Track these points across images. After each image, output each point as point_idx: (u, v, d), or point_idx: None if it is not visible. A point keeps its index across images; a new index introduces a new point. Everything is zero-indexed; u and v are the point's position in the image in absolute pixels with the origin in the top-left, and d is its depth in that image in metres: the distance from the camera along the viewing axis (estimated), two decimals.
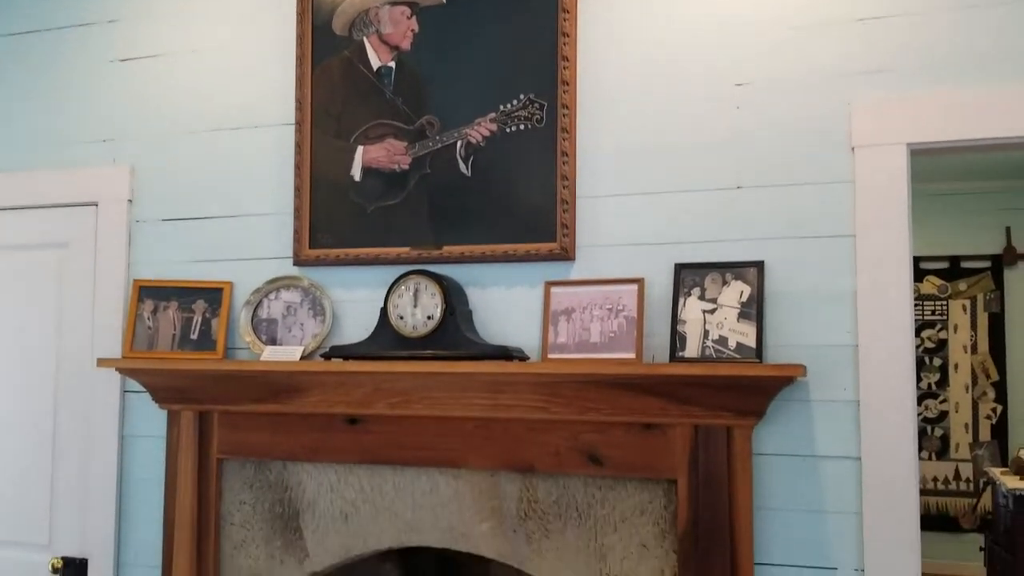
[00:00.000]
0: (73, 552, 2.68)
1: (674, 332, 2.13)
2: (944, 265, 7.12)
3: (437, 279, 2.27)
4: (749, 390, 2.02)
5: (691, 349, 2.10)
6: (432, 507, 2.32)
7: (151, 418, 2.60)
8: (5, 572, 2.78)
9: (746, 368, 2.00)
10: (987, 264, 7.08)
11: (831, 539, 2.05)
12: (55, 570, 2.67)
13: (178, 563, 2.47)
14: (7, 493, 2.80)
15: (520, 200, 2.31)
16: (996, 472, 5.57)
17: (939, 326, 7.12)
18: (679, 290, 2.15)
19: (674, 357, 2.11)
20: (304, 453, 2.41)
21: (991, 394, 6.97)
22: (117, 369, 2.51)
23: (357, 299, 2.45)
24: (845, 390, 2.06)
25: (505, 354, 2.20)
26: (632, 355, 2.15)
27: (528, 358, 2.27)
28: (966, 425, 7.02)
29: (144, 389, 2.55)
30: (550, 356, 2.23)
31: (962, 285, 7.09)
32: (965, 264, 7.12)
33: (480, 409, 2.23)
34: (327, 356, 2.34)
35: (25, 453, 2.79)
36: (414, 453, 2.31)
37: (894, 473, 2.01)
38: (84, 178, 2.76)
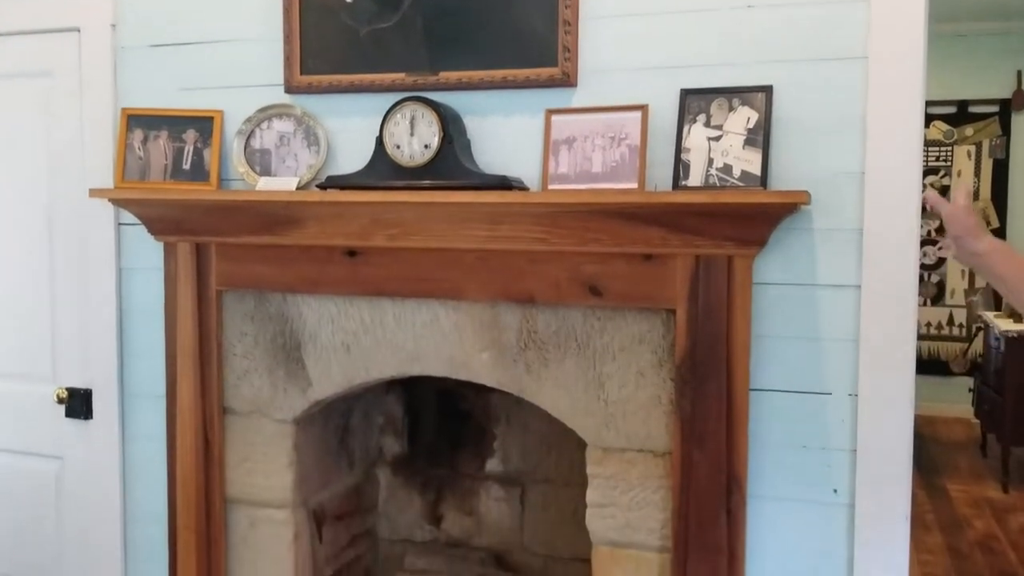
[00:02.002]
0: (77, 383, 2.72)
1: (678, 160, 2.08)
2: (951, 110, 6.99)
3: (434, 106, 2.20)
4: (752, 218, 1.99)
5: (695, 178, 2.06)
6: (433, 338, 2.33)
7: (148, 251, 2.58)
8: (11, 404, 2.83)
9: (749, 195, 1.96)
10: (995, 109, 6.94)
11: (827, 366, 2.07)
12: (60, 401, 2.72)
13: (182, 392, 2.51)
14: (7, 326, 2.82)
15: (520, 22, 2.20)
16: (990, 316, 5.64)
17: (942, 172, 7.06)
18: (684, 117, 2.08)
19: (677, 186, 2.07)
20: (303, 285, 2.40)
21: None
22: (110, 200, 2.47)
23: (352, 128, 2.38)
24: (848, 217, 2.03)
25: (505, 184, 2.15)
26: (634, 185, 2.10)
27: (528, 189, 2.23)
28: (963, 271, 7.07)
29: (139, 221, 2.52)
30: (551, 187, 2.18)
31: (968, 130, 6.98)
32: (973, 109, 6.98)
33: (480, 240, 2.21)
34: (323, 187, 2.29)
35: (23, 286, 2.78)
36: (414, 285, 2.31)
37: (893, 301, 2.01)
38: (64, 1, 2.64)
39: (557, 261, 2.17)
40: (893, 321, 2.01)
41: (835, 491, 2.07)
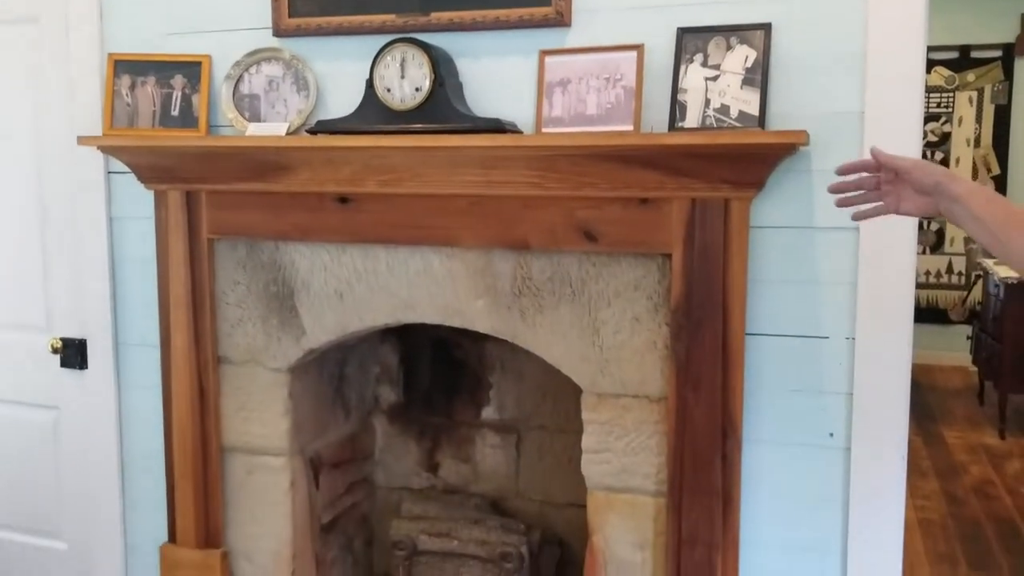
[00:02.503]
0: (71, 333, 2.71)
1: (674, 102, 2.04)
2: (953, 55, 6.89)
3: (424, 48, 2.15)
4: (749, 160, 1.96)
5: (691, 119, 2.02)
6: (426, 285, 2.31)
7: (138, 199, 2.55)
8: (6, 355, 2.83)
9: (747, 136, 1.93)
10: (997, 54, 6.85)
11: (824, 309, 2.06)
12: (55, 351, 2.71)
13: (176, 341, 2.49)
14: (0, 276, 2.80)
15: None
16: (990, 263, 5.62)
17: (943, 119, 6.98)
18: (680, 57, 2.04)
19: (673, 128, 2.04)
20: (295, 233, 2.37)
21: (991, 188, 6.92)
22: (99, 148, 2.43)
23: (341, 72, 2.34)
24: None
25: (498, 127, 2.12)
26: (630, 127, 2.07)
27: (522, 132, 2.19)
28: None
29: (128, 169, 2.49)
30: (545, 130, 2.15)
31: (970, 76, 6.90)
32: (975, 54, 6.89)
33: (473, 186, 2.18)
34: (312, 132, 2.26)
35: (14, 237, 2.76)
36: (407, 232, 2.28)
37: (892, 243, 1.98)
38: None
39: (551, 206, 2.15)
40: (892, 263, 1.99)
41: (831, 435, 2.07)
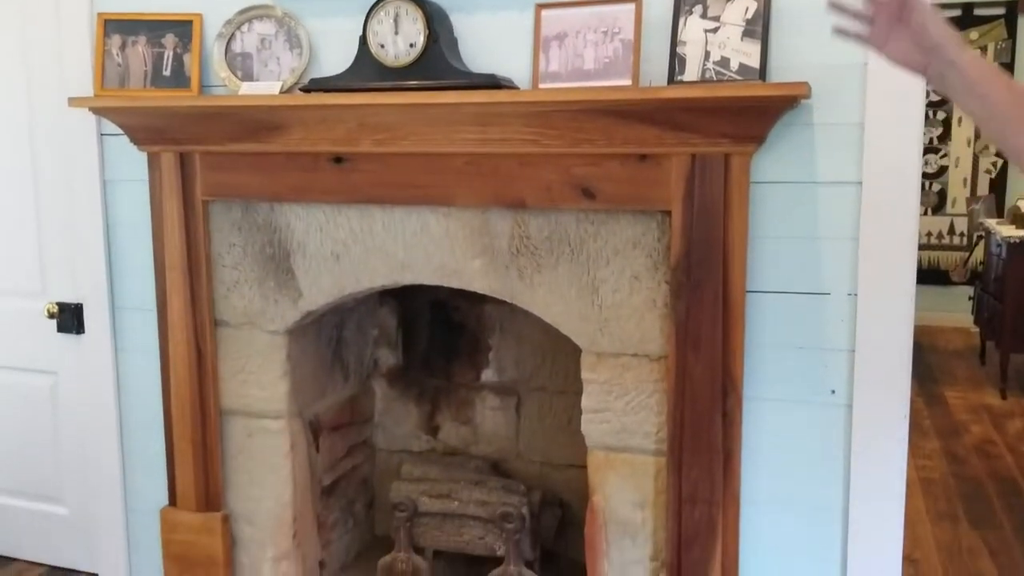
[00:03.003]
0: (67, 298, 2.69)
1: (673, 55, 2.00)
2: (956, 13, 6.80)
3: (418, 3, 2.11)
4: (749, 113, 1.92)
5: (691, 72, 1.98)
6: (423, 246, 2.29)
7: (132, 162, 2.52)
8: (2, 320, 2.81)
9: (748, 88, 1.89)
10: (1001, 12, 6.76)
11: (826, 265, 2.03)
12: (51, 316, 2.70)
13: (173, 304, 2.47)
14: None
15: None
16: (992, 223, 5.59)
17: None
18: (680, 8, 2.00)
19: (672, 81, 2.00)
20: (290, 194, 2.34)
21: (993, 147, 6.87)
22: (91, 109, 2.40)
23: (334, 29, 2.29)
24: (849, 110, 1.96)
25: (494, 83, 2.08)
26: (628, 81, 2.03)
27: (518, 88, 2.16)
28: (964, 180, 6.98)
29: (121, 131, 2.45)
30: (541, 85, 2.11)
31: (973, 34, 6.81)
32: (978, 12, 6.80)
33: (469, 144, 2.14)
34: (306, 90, 2.22)
35: (7, 201, 2.73)
36: (403, 192, 2.25)
37: (895, 197, 1.96)
38: None
39: (549, 164, 2.11)
40: (894, 217, 1.96)
41: (833, 392, 2.05)
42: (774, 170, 2.03)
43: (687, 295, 2.06)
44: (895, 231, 1.97)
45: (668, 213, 2.06)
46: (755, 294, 2.07)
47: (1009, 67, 6.70)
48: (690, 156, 2.01)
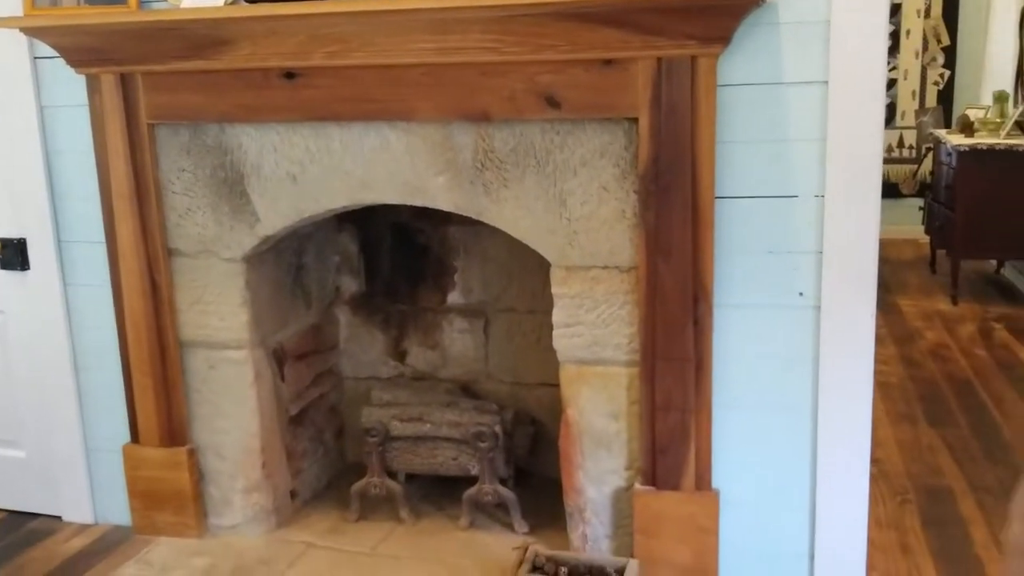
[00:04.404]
0: (9, 233, 2.57)
1: None
2: None
3: None
4: (715, 12, 1.88)
5: None
6: (384, 163, 2.22)
7: (70, 85, 2.38)
8: None
9: None
10: None
11: (793, 168, 2.01)
12: None
13: (122, 234, 2.38)
14: None
15: None
16: (942, 132, 5.63)
17: None
18: None
19: None
20: (240, 113, 2.25)
21: (940, 59, 6.90)
22: (21, 30, 2.26)
23: None
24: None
25: None
26: None
27: None
28: (913, 92, 7.01)
29: (56, 53, 2.32)
30: None
31: None
32: None
33: (426, 54, 2.06)
34: (252, 1, 2.11)
35: None
36: (359, 107, 2.17)
37: (861, 95, 1.93)
38: None
39: (511, 72, 2.05)
40: (861, 115, 1.94)
41: (801, 294, 2.05)
42: (741, 72, 1.99)
43: (656, 203, 2.03)
44: (861, 130, 1.94)
45: (635, 120, 2.02)
46: (724, 200, 2.05)
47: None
48: (656, 60, 1.96)
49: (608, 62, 1.99)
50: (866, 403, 2.06)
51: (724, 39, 1.92)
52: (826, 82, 1.95)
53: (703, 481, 2.13)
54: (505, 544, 2.38)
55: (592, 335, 2.18)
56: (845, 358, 2.03)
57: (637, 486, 2.17)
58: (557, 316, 2.20)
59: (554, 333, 2.21)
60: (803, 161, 2.00)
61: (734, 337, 2.11)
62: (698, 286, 2.05)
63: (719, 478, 2.15)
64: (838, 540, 2.11)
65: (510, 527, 2.47)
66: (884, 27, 1.91)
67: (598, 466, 2.22)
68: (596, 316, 2.17)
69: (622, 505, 2.22)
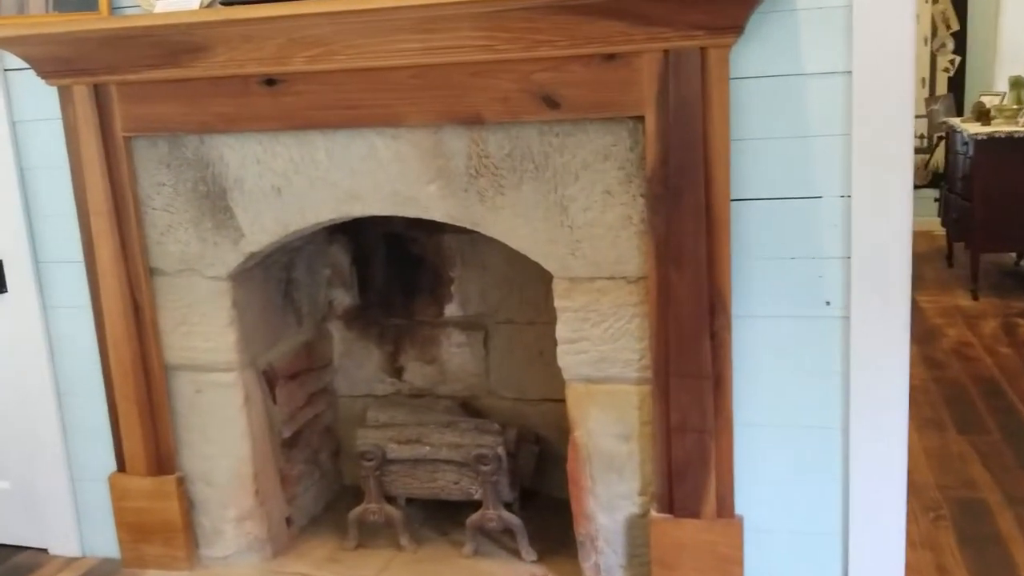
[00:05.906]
0: None
1: None
2: None
3: None
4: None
5: None
6: (372, 172, 2.08)
7: (42, 98, 2.25)
8: None
9: None
10: None
11: (816, 166, 1.86)
12: None
13: (101, 254, 2.25)
14: None
15: None
16: (956, 121, 5.46)
17: None
18: None
19: None
20: (220, 123, 2.11)
21: (950, 45, 6.74)
22: None
23: None
24: None
25: None
26: None
27: None
28: (923, 80, 6.84)
29: (26, 64, 2.19)
30: None
31: None
32: None
33: (413, 55, 1.93)
34: (227, 3, 1.97)
35: None
36: (344, 113, 2.03)
37: (888, 85, 1.78)
38: None
39: (505, 71, 1.91)
40: (888, 107, 1.79)
41: (828, 303, 1.90)
42: (755, 64, 1.85)
43: (666, 208, 1.89)
44: (890, 123, 1.80)
45: (641, 119, 1.87)
46: (740, 202, 1.90)
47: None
48: (662, 52, 1.81)
49: (610, 57, 1.84)
50: (901, 420, 1.91)
51: (736, 28, 1.78)
52: (850, 72, 1.80)
53: (725, 507, 1.98)
54: (512, 573, 2.25)
55: (599, 351, 2.03)
56: (878, 372, 1.89)
57: (653, 513, 2.03)
58: (561, 331, 2.06)
59: (558, 349, 2.07)
60: (826, 159, 1.85)
61: (756, 351, 1.96)
62: (714, 296, 1.90)
63: (742, 503, 2.01)
64: (873, 568, 1.97)
65: (517, 554, 2.33)
66: (912, 11, 1.76)
67: (609, 491, 2.08)
68: (603, 330, 2.02)
69: (636, 533, 2.07)
